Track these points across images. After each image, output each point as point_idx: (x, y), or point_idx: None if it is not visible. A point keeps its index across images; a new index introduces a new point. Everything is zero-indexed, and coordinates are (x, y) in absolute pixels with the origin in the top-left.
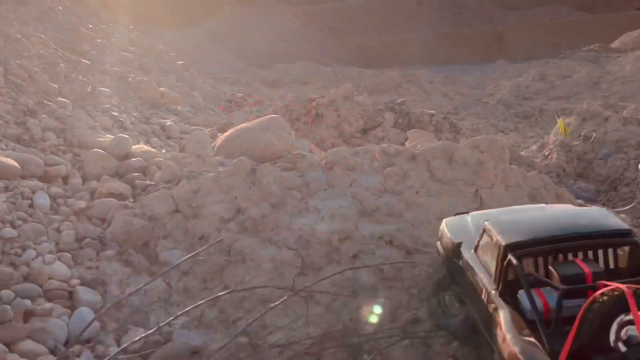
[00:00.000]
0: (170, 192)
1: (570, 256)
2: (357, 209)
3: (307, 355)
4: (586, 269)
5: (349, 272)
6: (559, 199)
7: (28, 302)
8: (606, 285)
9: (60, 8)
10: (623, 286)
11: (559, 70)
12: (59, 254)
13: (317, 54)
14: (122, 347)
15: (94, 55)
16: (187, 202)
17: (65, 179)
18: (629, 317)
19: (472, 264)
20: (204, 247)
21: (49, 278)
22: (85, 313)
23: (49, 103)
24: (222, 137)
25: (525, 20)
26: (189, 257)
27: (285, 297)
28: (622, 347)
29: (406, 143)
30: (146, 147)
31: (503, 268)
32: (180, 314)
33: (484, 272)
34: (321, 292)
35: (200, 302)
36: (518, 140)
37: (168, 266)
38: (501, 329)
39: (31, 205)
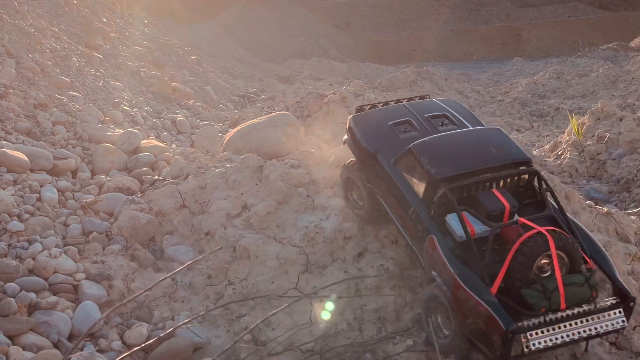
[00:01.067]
0: (178, 188)
1: (488, 186)
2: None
3: (310, 354)
4: (505, 202)
5: (353, 271)
6: (569, 200)
7: (33, 295)
8: (527, 225)
9: (75, 2)
10: (544, 230)
11: (576, 69)
12: (65, 247)
13: (333, 50)
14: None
15: (107, 50)
16: (194, 198)
17: (74, 173)
18: (548, 254)
19: (394, 176)
20: (212, 250)
21: (55, 272)
22: (89, 307)
23: (60, 97)
24: (230, 132)
25: (543, 18)
26: (199, 259)
27: (288, 304)
28: (539, 278)
29: None
30: (155, 142)
31: (435, 196)
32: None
33: (408, 189)
34: (325, 296)
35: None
36: (533, 139)
37: (174, 261)
38: (436, 251)
39: (39, 199)
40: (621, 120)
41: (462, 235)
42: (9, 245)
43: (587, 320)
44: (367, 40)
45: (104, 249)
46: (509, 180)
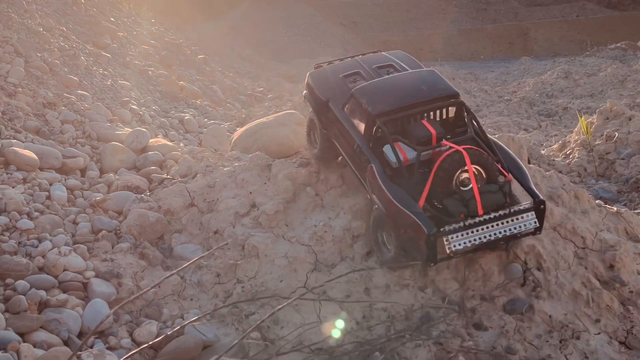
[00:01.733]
0: (186, 186)
1: (419, 117)
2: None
3: (319, 353)
4: (432, 130)
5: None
6: (578, 200)
7: (43, 293)
8: (449, 145)
9: (82, 1)
10: (461, 148)
11: (584, 68)
12: (75, 245)
13: (339, 49)
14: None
15: (115, 49)
16: (203, 197)
17: (83, 172)
18: (465, 169)
19: (342, 120)
20: (220, 245)
21: (64, 269)
22: (99, 305)
23: (69, 96)
24: (239, 131)
25: (550, 17)
26: (205, 255)
27: (295, 298)
28: (459, 190)
29: None
30: (163, 141)
31: (372, 130)
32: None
33: (353, 128)
34: (330, 299)
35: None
36: (541, 138)
37: (182, 260)
38: (374, 177)
39: (48, 197)
40: (630, 119)
41: (395, 162)
42: (19, 243)
43: (503, 223)
44: (374, 40)
45: (113, 247)
46: (437, 111)
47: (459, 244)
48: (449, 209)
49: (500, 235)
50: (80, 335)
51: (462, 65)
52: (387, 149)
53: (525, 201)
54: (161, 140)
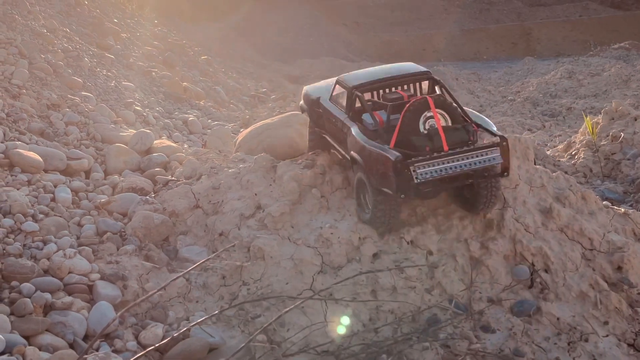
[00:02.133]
0: (191, 188)
1: (392, 89)
2: None
3: (326, 355)
4: (403, 93)
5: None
6: (585, 201)
7: (48, 296)
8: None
9: (86, 2)
10: (428, 96)
11: (588, 68)
12: (80, 248)
13: (342, 50)
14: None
15: (118, 50)
16: (208, 198)
17: (87, 173)
18: (430, 113)
19: (329, 108)
20: (226, 247)
21: (69, 272)
22: (104, 307)
23: (73, 97)
24: (243, 133)
25: (553, 17)
26: (212, 257)
27: (302, 301)
28: (425, 131)
29: None
30: (168, 142)
31: (352, 101)
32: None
33: (338, 110)
34: (337, 300)
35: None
36: (545, 138)
37: (188, 262)
38: (352, 136)
39: (53, 199)
40: (636, 120)
41: (372, 123)
42: (24, 245)
43: (467, 158)
44: (377, 40)
45: (118, 249)
46: (410, 85)
47: (425, 174)
48: (415, 144)
49: (465, 169)
50: (86, 338)
51: (465, 65)
52: (365, 116)
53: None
54: (165, 142)
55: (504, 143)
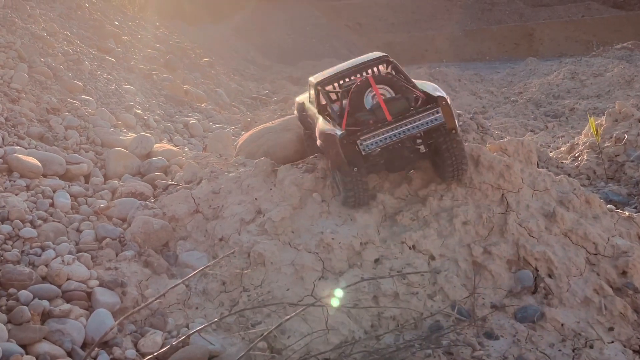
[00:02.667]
0: (191, 192)
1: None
2: (379, 212)
3: None
4: (359, 79)
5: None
6: (589, 205)
7: (46, 303)
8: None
9: (87, 5)
10: (368, 76)
11: (591, 69)
12: (79, 254)
13: (344, 51)
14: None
15: (119, 53)
16: (208, 203)
17: (87, 178)
18: (371, 90)
19: (308, 106)
20: (226, 254)
21: (68, 279)
22: (103, 315)
23: (73, 101)
24: (243, 136)
25: (556, 18)
26: (213, 264)
27: (303, 308)
28: (368, 106)
29: None
30: (168, 146)
31: (317, 97)
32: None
33: (313, 109)
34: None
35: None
36: (548, 139)
37: (187, 267)
38: (318, 125)
39: (52, 205)
40: (639, 121)
41: (337, 111)
42: (22, 252)
43: (410, 123)
44: (379, 41)
45: (117, 255)
46: (369, 70)
47: (370, 145)
48: (361, 119)
49: (408, 133)
50: (84, 346)
51: (467, 66)
52: (330, 107)
53: None
54: (166, 146)
55: (443, 103)
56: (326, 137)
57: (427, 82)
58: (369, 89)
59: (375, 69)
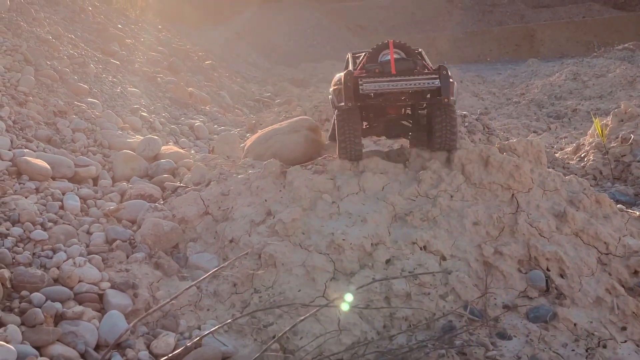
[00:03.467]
0: (200, 194)
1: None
2: (389, 213)
3: None
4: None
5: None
6: (600, 204)
7: (59, 305)
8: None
9: (90, 9)
10: (389, 40)
11: (593, 70)
12: (89, 256)
13: (345, 53)
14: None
15: (123, 56)
16: (217, 205)
17: (95, 180)
18: (387, 51)
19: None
20: (238, 256)
21: (80, 281)
22: (115, 316)
23: (79, 104)
24: (251, 138)
25: (557, 19)
26: (226, 265)
27: (315, 310)
28: (381, 60)
29: None
30: (175, 148)
31: (347, 62)
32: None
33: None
34: (351, 307)
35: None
36: (551, 140)
37: (198, 269)
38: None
39: (62, 207)
40: None
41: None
42: (34, 254)
43: (409, 80)
44: (380, 43)
45: (127, 257)
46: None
47: (369, 86)
48: (368, 68)
49: (404, 87)
50: (97, 348)
51: (469, 67)
52: (353, 65)
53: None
54: (173, 148)
55: (444, 72)
56: (337, 80)
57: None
58: (386, 50)
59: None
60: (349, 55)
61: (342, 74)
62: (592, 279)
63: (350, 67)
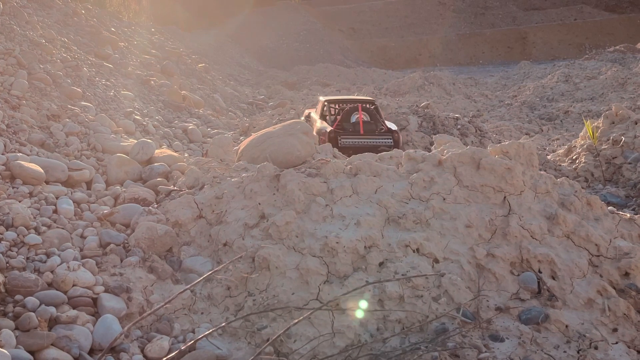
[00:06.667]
0: (194, 198)
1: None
2: (383, 216)
3: None
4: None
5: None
6: (591, 206)
7: (53, 310)
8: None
9: (83, 12)
10: (359, 104)
11: (584, 72)
12: (83, 260)
13: (338, 55)
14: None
15: (116, 59)
16: (211, 208)
17: (89, 184)
18: (357, 113)
19: (312, 115)
20: (232, 260)
21: (74, 285)
22: (109, 320)
23: (73, 107)
24: (245, 141)
25: (548, 21)
26: (220, 269)
27: (309, 313)
28: (352, 121)
29: (432, 148)
30: (169, 152)
31: (322, 108)
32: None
33: (315, 116)
34: (344, 310)
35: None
36: (543, 142)
37: (192, 272)
38: (316, 125)
39: (55, 211)
40: (636, 123)
41: (331, 119)
42: (27, 258)
43: (372, 139)
44: (373, 45)
45: (121, 261)
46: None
47: (345, 142)
48: (344, 127)
49: (369, 144)
50: (91, 352)
51: (461, 70)
52: (329, 116)
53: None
54: (166, 151)
55: (395, 134)
56: (321, 131)
57: (391, 122)
58: (356, 112)
59: (365, 105)
60: (324, 102)
61: (319, 121)
62: (584, 280)
63: (325, 116)
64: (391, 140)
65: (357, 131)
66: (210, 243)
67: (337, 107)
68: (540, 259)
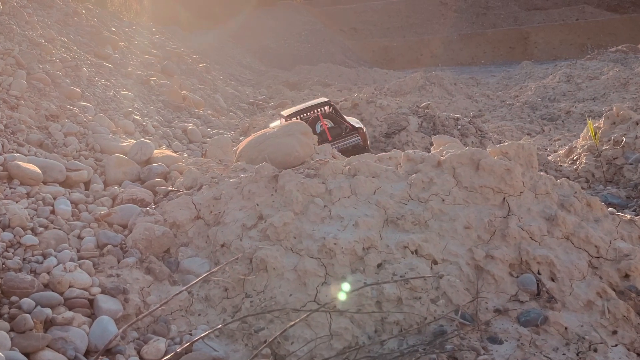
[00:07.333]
0: (192, 198)
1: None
2: (381, 217)
3: None
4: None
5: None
6: (591, 208)
7: (48, 311)
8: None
9: (83, 12)
10: (319, 113)
11: (586, 72)
12: (80, 261)
13: (340, 55)
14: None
15: (116, 59)
16: (209, 209)
17: (87, 185)
18: (320, 122)
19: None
20: (229, 261)
21: (70, 286)
22: (106, 322)
23: (72, 108)
24: (244, 142)
25: (550, 21)
26: (217, 270)
27: (306, 315)
28: (318, 131)
29: (432, 149)
30: (167, 152)
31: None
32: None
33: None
34: (342, 312)
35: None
36: (544, 142)
37: (189, 274)
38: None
39: (53, 212)
40: (637, 124)
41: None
42: (24, 259)
43: (340, 142)
44: (374, 46)
45: (119, 262)
46: (318, 110)
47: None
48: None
49: (341, 146)
50: (87, 353)
51: (463, 70)
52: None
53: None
54: (165, 151)
55: (361, 131)
56: None
57: (352, 117)
58: (319, 121)
59: (322, 108)
60: (285, 117)
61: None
62: (583, 282)
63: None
64: (359, 138)
65: (325, 139)
66: (208, 244)
67: (297, 119)
68: (539, 260)
